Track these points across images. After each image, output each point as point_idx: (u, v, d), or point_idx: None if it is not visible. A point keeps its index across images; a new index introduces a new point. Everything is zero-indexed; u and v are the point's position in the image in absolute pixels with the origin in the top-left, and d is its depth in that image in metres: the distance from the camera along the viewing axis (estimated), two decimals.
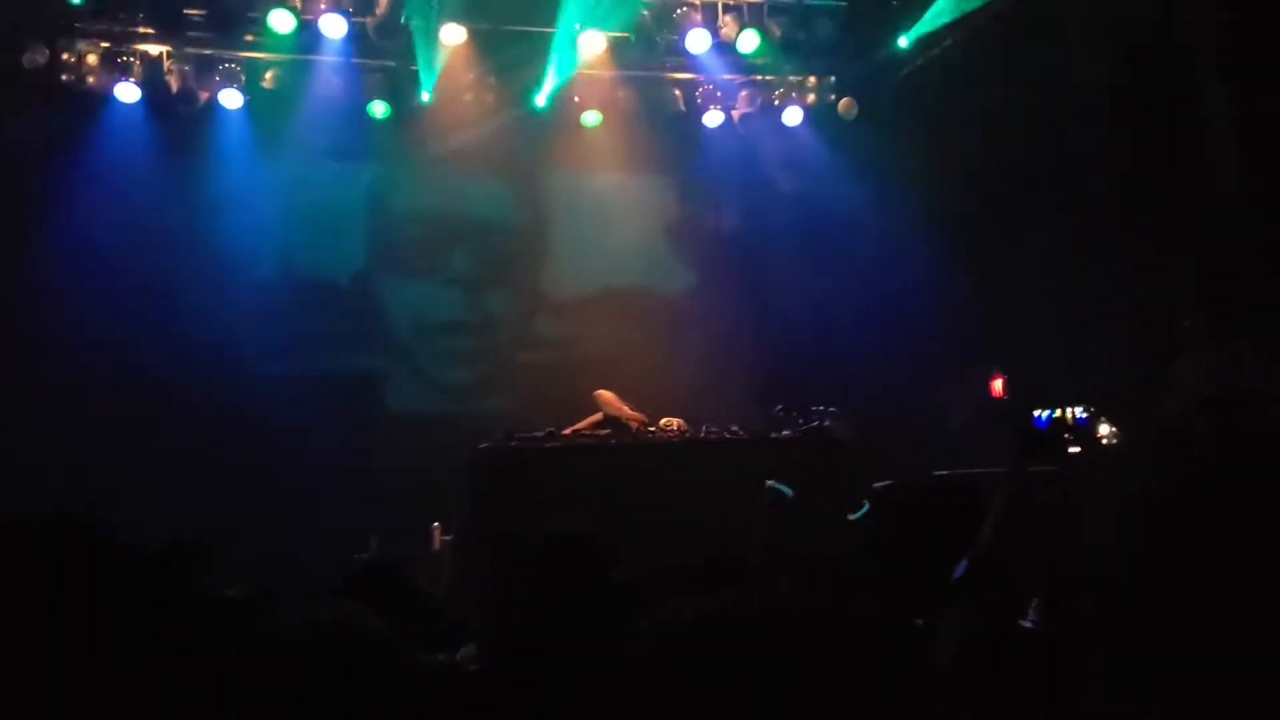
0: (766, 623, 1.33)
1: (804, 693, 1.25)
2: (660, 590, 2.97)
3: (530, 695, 2.79)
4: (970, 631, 2.29)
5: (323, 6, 8.31)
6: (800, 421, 6.80)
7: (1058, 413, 6.38)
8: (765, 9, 8.98)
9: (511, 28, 8.79)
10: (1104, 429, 6.51)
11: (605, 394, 6.89)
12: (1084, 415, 6.44)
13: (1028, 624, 2.75)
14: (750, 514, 5.53)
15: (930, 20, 9.03)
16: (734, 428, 6.67)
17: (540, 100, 9.14)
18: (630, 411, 6.80)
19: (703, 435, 6.60)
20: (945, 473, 6.57)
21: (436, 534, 7.49)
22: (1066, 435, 6.07)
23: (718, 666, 1.26)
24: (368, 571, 3.99)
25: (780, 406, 6.85)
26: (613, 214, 9.39)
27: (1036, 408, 6.36)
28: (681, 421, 6.91)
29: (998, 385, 8.72)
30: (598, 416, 6.84)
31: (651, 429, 6.65)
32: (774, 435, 6.65)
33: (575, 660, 2.79)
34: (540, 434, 6.54)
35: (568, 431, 6.77)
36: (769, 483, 5.66)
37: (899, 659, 2.60)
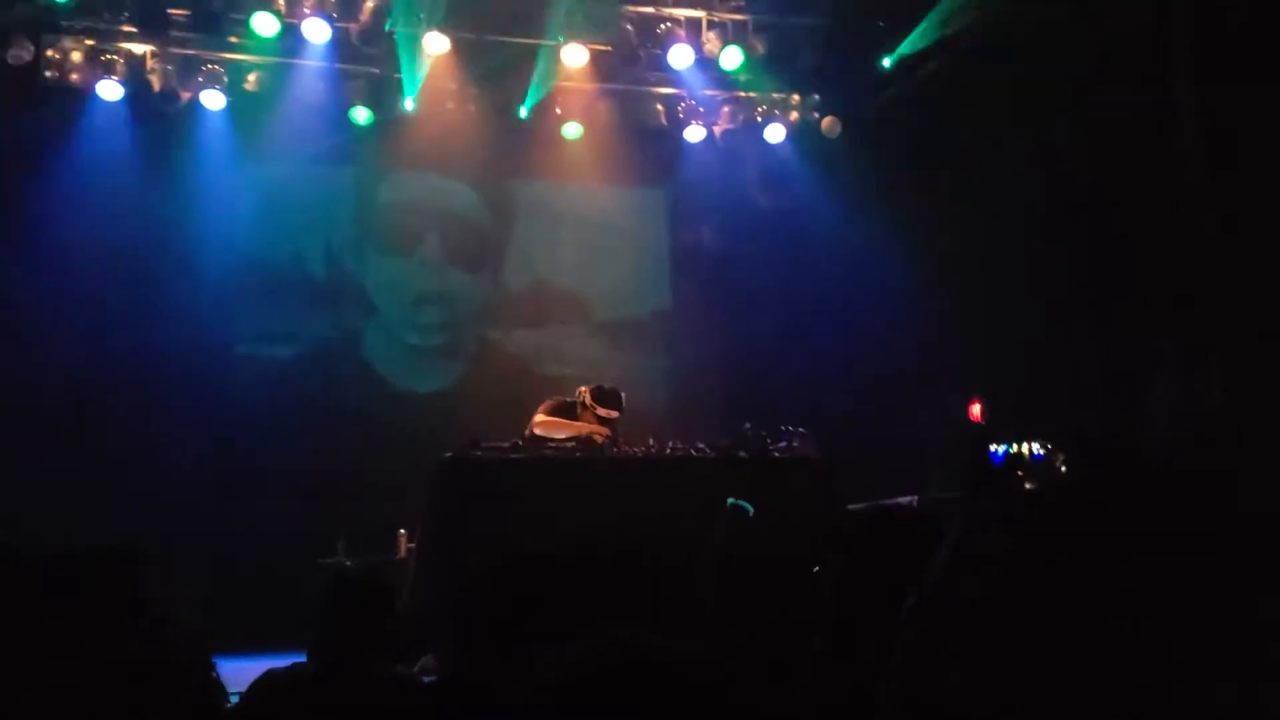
0: (664, 666, 1.32)
1: None
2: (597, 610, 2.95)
3: (486, 708, 2.79)
4: (911, 668, 2.25)
5: (307, 11, 8.32)
6: (768, 441, 6.77)
7: (1014, 448, 6.37)
8: (749, 26, 9.00)
9: (495, 38, 8.81)
10: (1062, 466, 6.49)
11: (543, 419, 6.79)
12: (1041, 452, 6.43)
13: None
14: (708, 530, 5.52)
15: (914, 41, 9.06)
16: (700, 445, 6.66)
17: (522, 111, 9.16)
18: (586, 425, 6.72)
19: (668, 452, 6.59)
20: (904, 499, 6.61)
21: (403, 541, 7.47)
22: (1020, 472, 6.06)
23: (610, 708, 1.25)
24: (357, 586, 3.91)
25: (748, 425, 6.83)
26: (591, 227, 9.41)
27: (993, 442, 6.35)
28: (589, 391, 6.86)
29: (976, 411, 8.73)
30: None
31: (615, 445, 6.62)
32: (740, 454, 6.63)
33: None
34: (506, 444, 6.53)
35: (527, 433, 6.73)
36: (730, 500, 5.65)
37: (838, 697, 2.59)
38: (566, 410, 6.83)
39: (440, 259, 9.33)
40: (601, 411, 6.79)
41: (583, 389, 6.88)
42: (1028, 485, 6.07)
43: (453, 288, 9.34)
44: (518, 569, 3.11)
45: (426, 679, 3.71)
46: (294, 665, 3.39)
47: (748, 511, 5.87)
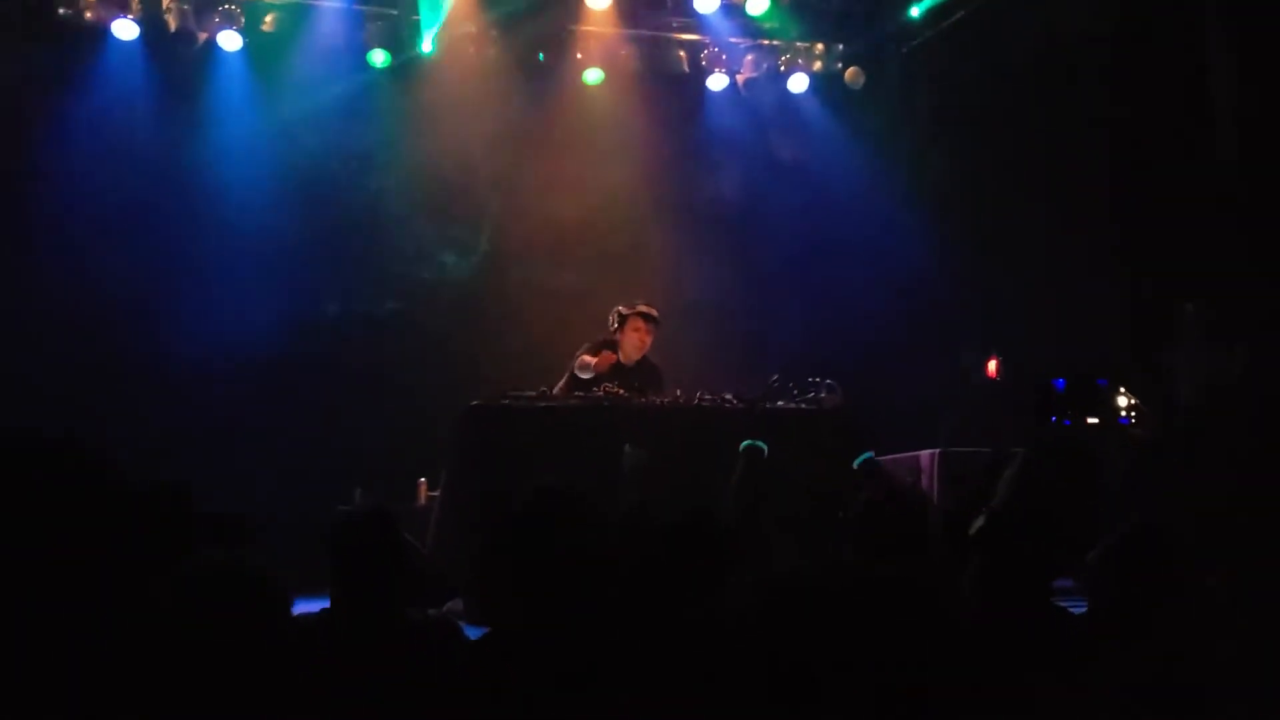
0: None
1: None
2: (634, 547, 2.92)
3: (518, 655, 2.75)
4: (986, 587, 2.26)
5: None
6: (795, 392, 6.74)
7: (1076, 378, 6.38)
8: None
9: None
10: (1122, 400, 6.50)
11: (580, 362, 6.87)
12: (1104, 381, 6.44)
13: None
14: (727, 473, 5.51)
15: None
16: (728, 396, 6.61)
17: (542, 56, 9.01)
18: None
19: (696, 402, 6.53)
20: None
21: (422, 489, 7.45)
22: (1083, 397, 6.06)
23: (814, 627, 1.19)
24: (359, 520, 3.92)
25: (775, 377, 6.78)
26: (611, 175, 9.27)
27: (1053, 376, 6.37)
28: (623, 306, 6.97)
29: (993, 367, 8.70)
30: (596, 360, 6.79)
31: (643, 397, 6.58)
32: (768, 405, 6.60)
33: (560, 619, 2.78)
34: (533, 393, 6.47)
35: (557, 390, 6.70)
36: (745, 441, 5.61)
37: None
38: (604, 348, 6.87)
39: (461, 229, 9.20)
40: (643, 308, 6.93)
41: (615, 308, 7.00)
42: (1090, 419, 6.11)
43: (478, 264, 9.22)
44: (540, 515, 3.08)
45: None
46: (321, 610, 3.36)
47: (763, 451, 5.81)
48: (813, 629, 1.00)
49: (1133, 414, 6.44)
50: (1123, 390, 6.37)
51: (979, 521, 2.31)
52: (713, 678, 1.09)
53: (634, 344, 6.92)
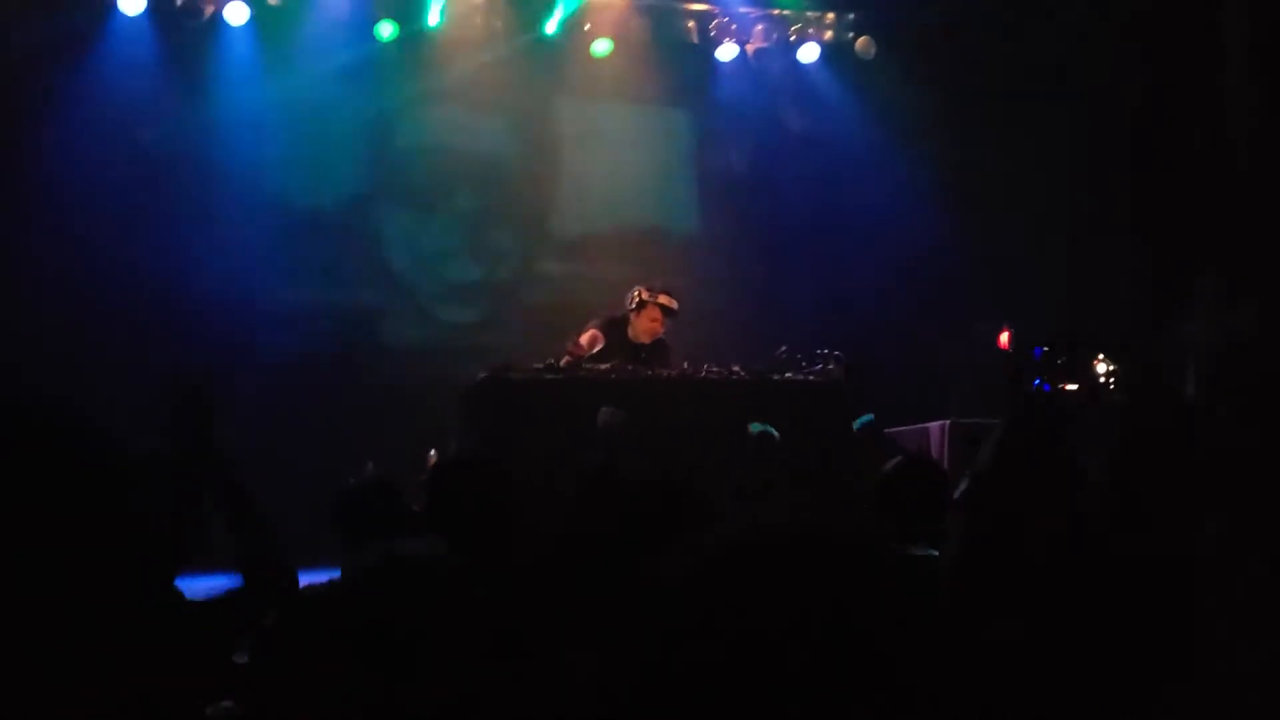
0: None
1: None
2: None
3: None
4: (968, 549, 2.23)
5: None
6: (803, 364, 6.72)
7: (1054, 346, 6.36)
8: None
9: None
10: (1101, 368, 6.46)
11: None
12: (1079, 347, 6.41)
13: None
14: (732, 457, 5.48)
15: None
16: (735, 368, 6.59)
17: (551, 27, 8.95)
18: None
19: (703, 374, 6.52)
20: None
21: (431, 460, 7.45)
22: (1060, 361, 6.04)
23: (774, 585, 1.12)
24: (362, 491, 3.98)
25: (783, 349, 6.76)
26: (620, 149, 9.21)
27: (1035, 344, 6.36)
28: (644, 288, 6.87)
29: (1005, 339, 8.64)
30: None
31: (649, 370, 6.55)
32: (775, 377, 6.58)
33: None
34: (539, 366, 6.47)
35: (564, 362, 6.68)
36: (754, 425, 5.55)
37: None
38: (614, 325, 6.81)
39: (470, 208, 9.14)
40: (663, 299, 6.83)
41: (637, 288, 6.85)
42: (1067, 386, 6.09)
43: (487, 243, 9.16)
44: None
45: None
46: (330, 581, 3.37)
47: (774, 437, 5.74)
48: (755, 595, 0.96)
49: (1111, 380, 6.40)
50: (1101, 356, 6.33)
51: (963, 484, 2.29)
52: (650, 644, 1.03)
53: (646, 329, 6.83)
